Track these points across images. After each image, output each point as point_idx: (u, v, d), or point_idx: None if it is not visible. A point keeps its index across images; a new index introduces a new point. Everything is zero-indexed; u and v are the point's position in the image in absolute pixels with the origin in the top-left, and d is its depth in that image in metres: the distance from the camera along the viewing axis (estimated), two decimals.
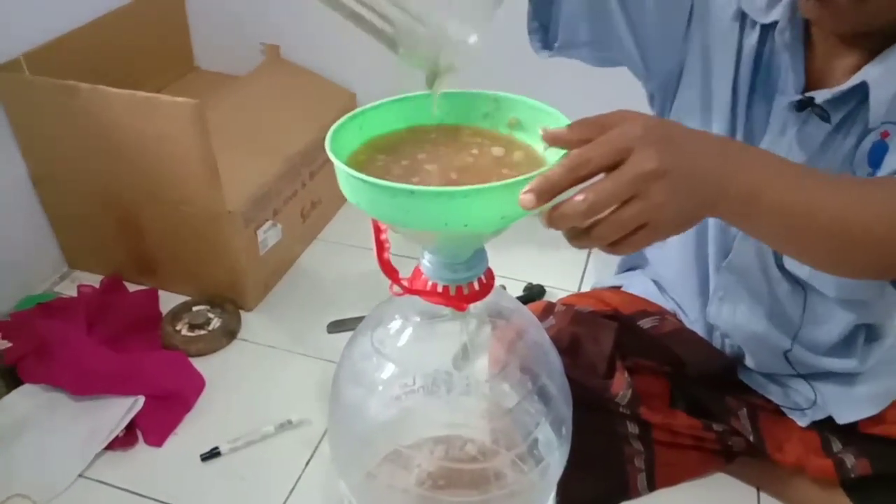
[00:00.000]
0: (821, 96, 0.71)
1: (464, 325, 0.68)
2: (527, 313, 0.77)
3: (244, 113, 1.37)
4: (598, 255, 1.43)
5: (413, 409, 0.80)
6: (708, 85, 0.79)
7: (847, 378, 0.91)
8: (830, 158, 0.74)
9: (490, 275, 0.64)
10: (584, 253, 1.43)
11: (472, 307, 0.62)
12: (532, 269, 1.36)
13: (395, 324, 0.68)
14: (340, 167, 0.52)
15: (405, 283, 0.60)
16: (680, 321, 0.99)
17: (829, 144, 0.74)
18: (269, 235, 1.27)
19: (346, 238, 1.46)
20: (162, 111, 1.06)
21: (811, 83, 0.73)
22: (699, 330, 0.96)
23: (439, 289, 0.61)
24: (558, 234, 0.50)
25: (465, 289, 0.62)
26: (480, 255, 0.62)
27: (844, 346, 0.89)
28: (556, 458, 0.73)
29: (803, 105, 0.72)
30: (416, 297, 0.62)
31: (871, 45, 0.69)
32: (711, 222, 0.86)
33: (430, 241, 0.58)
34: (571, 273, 1.38)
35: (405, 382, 0.78)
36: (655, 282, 1.04)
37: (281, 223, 1.30)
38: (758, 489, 0.98)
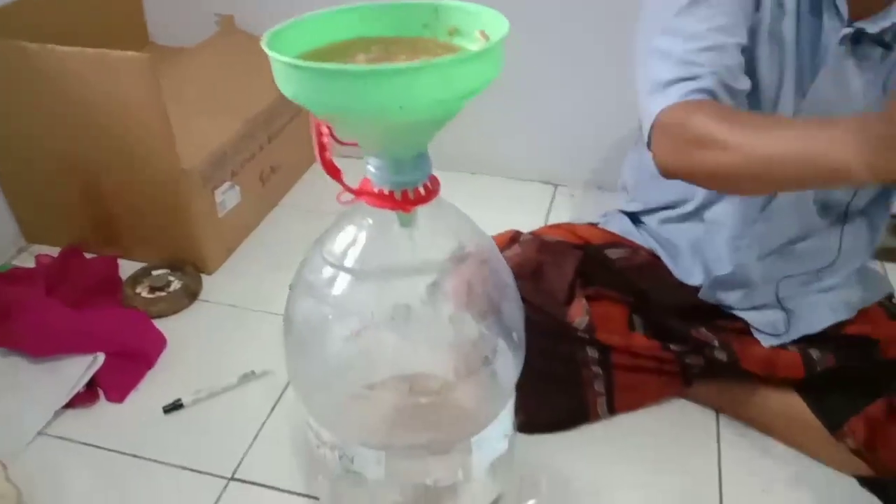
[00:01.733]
0: (872, 28, 0.75)
1: (412, 240, 0.68)
2: (488, 241, 0.78)
3: (199, 78, 1.37)
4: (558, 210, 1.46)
5: (374, 347, 0.80)
6: (774, 29, 0.80)
7: (822, 293, 0.95)
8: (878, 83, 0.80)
9: (435, 181, 0.65)
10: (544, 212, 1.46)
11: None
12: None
13: (347, 235, 0.69)
14: (277, 58, 0.52)
15: (350, 185, 0.61)
16: (653, 256, 1.01)
17: (882, 69, 0.79)
18: (227, 197, 1.27)
19: (309, 205, 1.46)
20: (113, 66, 1.06)
21: (854, 14, 0.76)
22: (697, 274, 0.98)
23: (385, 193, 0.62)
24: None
25: (411, 193, 0.63)
26: (424, 159, 0.63)
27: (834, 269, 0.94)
28: (509, 364, 0.75)
29: (857, 37, 0.76)
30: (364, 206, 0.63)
31: None
32: None
33: (372, 138, 0.59)
34: None
35: (364, 317, 0.79)
36: (636, 219, 1.06)
37: (239, 185, 1.29)
38: (717, 411, 1.01)
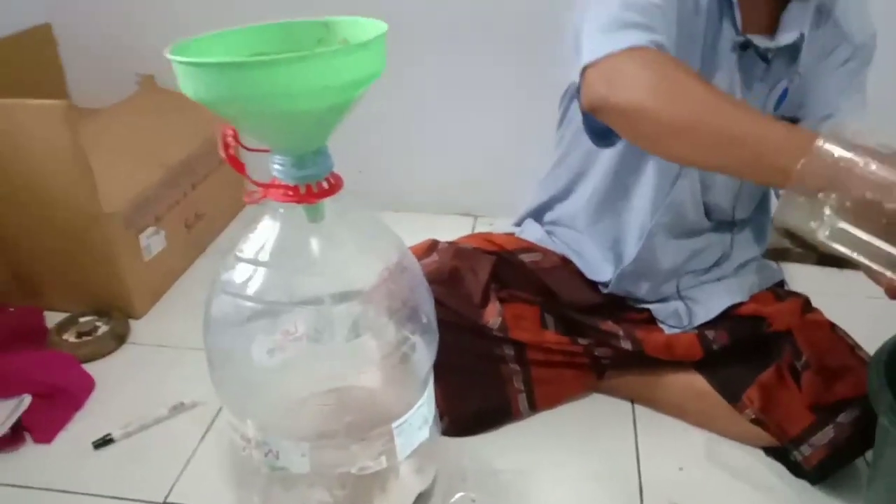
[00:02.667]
0: (762, 42, 0.85)
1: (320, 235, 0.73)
2: (405, 248, 0.82)
3: (120, 131, 1.41)
4: None
5: (297, 361, 0.84)
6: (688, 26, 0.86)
7: (717, 282, 1.04)
8: (758, 93, 0.89)
9: (337, 177, 0.71)
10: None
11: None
12: None
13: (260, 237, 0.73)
14: (179, 60, 0.58)
15: (253, 177, 0.66)
16: (564, 261, 1.07)
17: (762, 81, 0.89)
18: (152, 241, 1.29)
19: None
20: (30, 114, 1.09)
21: (744, 26, 0.85)
22: (609, 267, 1.04)
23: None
24: None
25: (315, 187, 0.68)
26: (324, 154, 0.68)
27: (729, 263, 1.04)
28: (423, 356, 0.79)
29: (745, 45, 0.85)
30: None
31: None
32: (651, 171, 0.95)
33: (272, 133, 0.64)
34: None
35: (287, 330, 0.83)
36: (549, 229, 1.12)
37: (164, 230, 1.32)
38: (631, 402, 1.06)
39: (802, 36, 0.85)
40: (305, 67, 0.56)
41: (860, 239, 0.60)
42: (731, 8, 0.84)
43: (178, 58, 0.58)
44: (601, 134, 0.86)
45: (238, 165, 0.64)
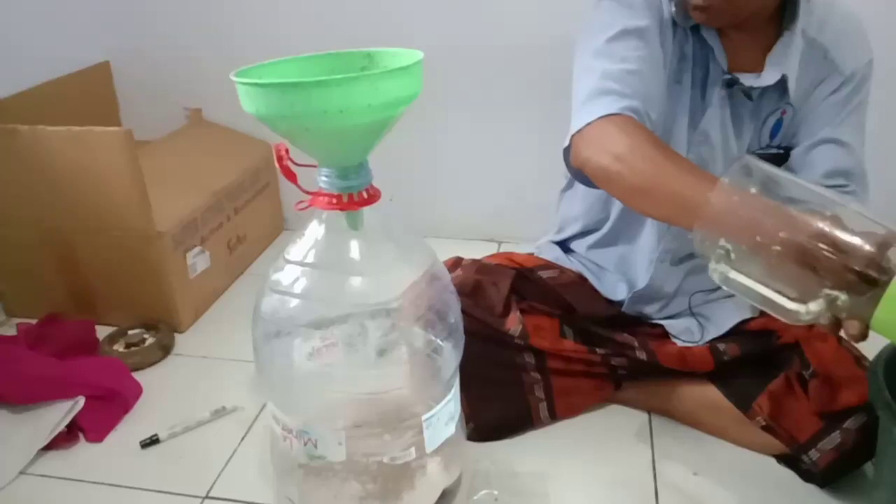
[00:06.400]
0: (747, 81, 0.93)
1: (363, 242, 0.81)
2: (433, 256, 0.89)
3: (170, 159, 1.51)
4: None
5: (334, 365, 0.91)
6: (669, 84, 0.96)
7: (727, 299, 1.09)
8: (749, 127, 0.97)
9: (375, 188, 0.79)
10: None
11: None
12: None
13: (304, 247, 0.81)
14: (243, 81, 0.67)
15: (304, 187, 0.74)
16: (581, 278, 1.14)
17: (752, 115, 0.97)
18: (198, 261, 1.38)
19: None
20: (95, 141, 1.20)
21: (732, 66, 0.94)
22: (623, 287, 1.11)
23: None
24: None
25: (356, 196, 0.76)
26: (365, 168, 0.77)
27: None
28: (449, 355, 0.86)
29: (731, 83, 0.94)
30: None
31: (754, 29, 0.91)
32: None
33: (321, 147, 0.73)
34: None
35: (324, 336, 0.90)
36: (566, 248, 1.20)
37: (209, 251, 1.42)
38: (648, 412, 1.11)
39: (785, 77, 0.92)
40: (355, 87, 0.65)
41: (742, 284, 0.67)
42: (714, 50, 0.93)
43: (242, 80, 0.67)
44: (588, 182, 0.97)
45: (291, 175, 0.72)
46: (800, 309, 0.63)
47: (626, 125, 0.83)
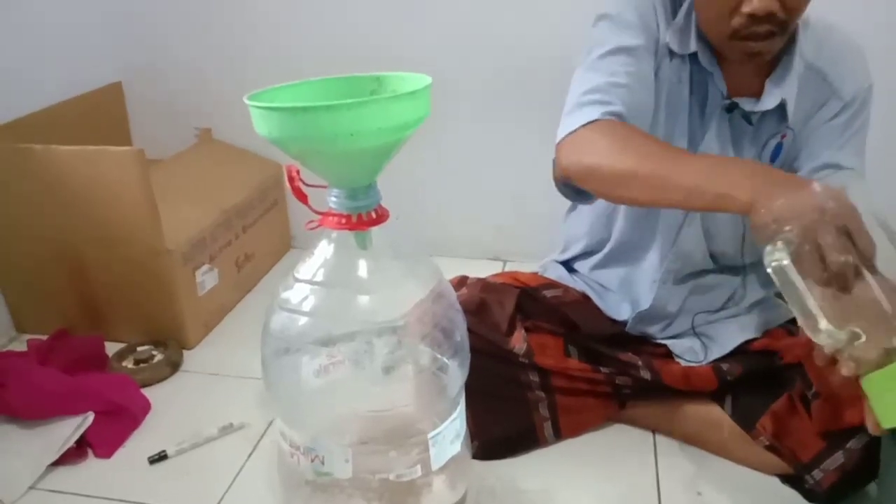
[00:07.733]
0: (747, 105, 0.94)
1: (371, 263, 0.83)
2: (439, 274, 0.91)
3: (180, 178, 1.53)
4: None
5: (340, 383, 0.92)
6: (667, 108, 0.99)
7: (731, 319, 1.10)
8: (749, 151, 0.98)
9: (384, 209, 0.80)
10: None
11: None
12: None
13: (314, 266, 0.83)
14: (256, 105, 0.69)
15: (314, 207, 0.76)
16: (585, 297, 1.15)
17: (753, 139, 0.98)
18: (206, 278, 1.40)
19: None
20: (108, 160, 1.22)
21: (731, 90, 0.96)
22: (626, 307, 1.12)
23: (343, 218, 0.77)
24: None
25: (365, 216, 0.78)
26: (374, 188, 0.78)
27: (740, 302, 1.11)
28: (455, 374, 0.87)
29: (731, 108, 0.96)
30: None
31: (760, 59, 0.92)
32: (659, 223, 1.06)
33: (332, 169, 0.75)
34: None
35: (331, 353, 0.92)
36: (570, 268, 1.21)
37: (217, 268, 1.43)
38: (652, 431, 1.12)
39: (784, 101, 0.94)
40: (365, 111, 0.67)
41: (793, 283, 0.67)
42: (713, 75, 0.95)
43: (256, 103, 0.69)
44: (575, 195, 1.00)
45: (302, 196, 0.74)
46: (829, 329, 0.65)
47: (606, 127, 0.85)
